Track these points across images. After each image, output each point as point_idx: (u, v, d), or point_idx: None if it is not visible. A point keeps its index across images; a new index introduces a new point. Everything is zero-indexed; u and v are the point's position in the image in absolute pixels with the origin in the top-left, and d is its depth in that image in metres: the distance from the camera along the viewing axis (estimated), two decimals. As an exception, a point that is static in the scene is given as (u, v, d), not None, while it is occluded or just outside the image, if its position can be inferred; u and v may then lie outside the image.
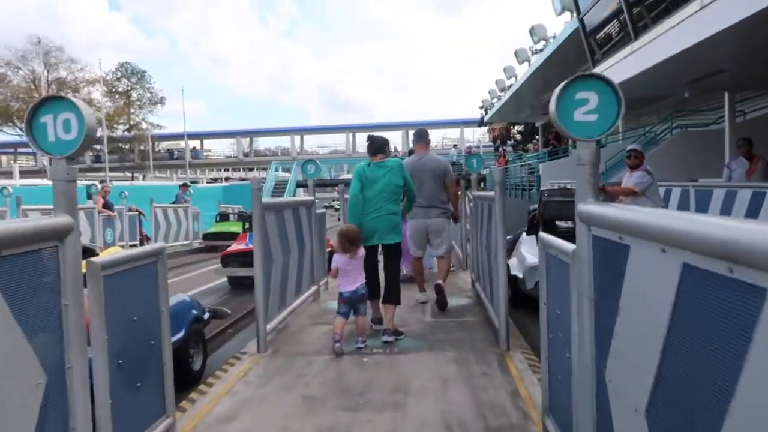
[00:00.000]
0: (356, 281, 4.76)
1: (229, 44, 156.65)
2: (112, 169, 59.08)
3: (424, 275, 6.72)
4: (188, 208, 16.36)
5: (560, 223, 7.51)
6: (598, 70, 11.01)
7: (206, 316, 4.87)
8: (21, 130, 51.70)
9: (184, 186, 17.45)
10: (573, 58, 15.52)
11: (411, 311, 6.06)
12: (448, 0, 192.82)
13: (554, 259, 2.61)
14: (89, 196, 12.80)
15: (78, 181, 2.33)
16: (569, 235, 6.44)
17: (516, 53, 19.26)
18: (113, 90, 57.00)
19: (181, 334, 4.26)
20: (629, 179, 6.83)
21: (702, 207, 8.27)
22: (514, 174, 23.93)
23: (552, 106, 2.09)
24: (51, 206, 2.13)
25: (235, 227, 16.75)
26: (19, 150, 63.10)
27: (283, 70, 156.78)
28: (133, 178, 53.95)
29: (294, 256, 5.80)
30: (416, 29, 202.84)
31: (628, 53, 9.24)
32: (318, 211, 7.35)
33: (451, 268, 7.56)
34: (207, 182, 55.75)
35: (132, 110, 57.43)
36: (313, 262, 6.76)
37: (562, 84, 2.09)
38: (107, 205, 12.77)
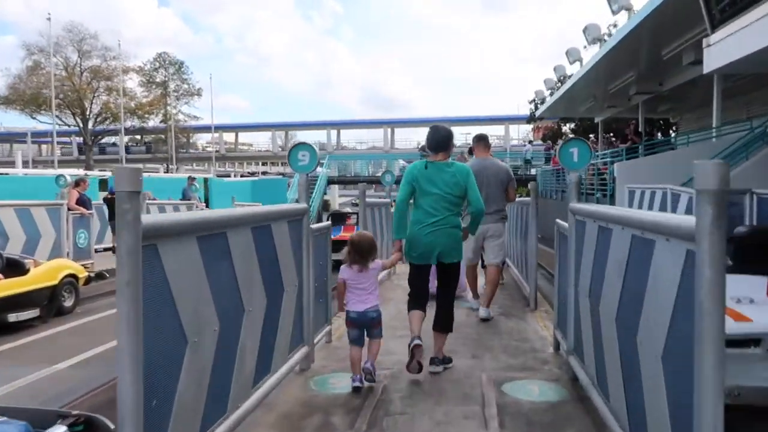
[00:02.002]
0: (366, 301, 3.94)
1: (273, 41, 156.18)
2: (147, 161, 58.06)
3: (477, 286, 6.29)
4: (194, 204, 14.01)
5: None
6: (719, 35, 8.07)
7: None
8: (60, 119, 50.86)
9: (191, 179, 15.14)
10: (662, 33, 12.50)
11: (461, 422, 3.38)
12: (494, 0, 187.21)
13: None
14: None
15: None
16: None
17: (585, 30, 16.21)
18: (150, 80, 55.83)
19: None
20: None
21: None
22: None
23: None
24: None
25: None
26: (57, 139, 62.69)
27: (326, 67, 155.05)
28: (168, 170, 52.53)
29: (255, 313, 3.20)
30: (460, 27, 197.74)
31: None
32: (317, 224, 4.74)
33: (501, 281, 6.83)
34: (241, 176, 53.99)
35: (169, 101, 56.23)
36: (302, 311, 4.16)
37: None
38: (82, 201, 10.43)
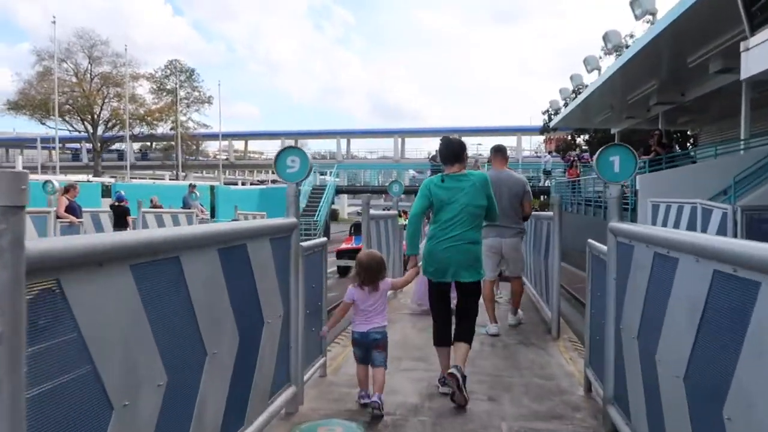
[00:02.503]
0: (371, 322, 3.74)
1: (285, 50, 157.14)
2: (157, 167, 57.85)
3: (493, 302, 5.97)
4: (193, 214, 13.44)
5: None
6: (759, 38, 7.40)
7: None
8: (71, 125, 50.70)
9: (192, 187, 14.59)
10: (689, 39, 11.82)
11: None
12: (504, 10, 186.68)
13: None
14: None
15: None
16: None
17: (605, 36, 15.53)
18: (161, 87, 55.69)
19: None
20: None
21: None
22: (585, 188, 20.28)
23: None
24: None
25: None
26: (67, 145, 62.68)
27: (337, 75, 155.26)
28: (176, 177, 52.18)
29: (223, 355, 2.56)
30: (471, 38, 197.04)
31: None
32: (310, 242, 4.11)
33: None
34: (251, 184, 53.52)
35: (180, 108, 56.10)
36: (288, 345, 3.51)
37: None
38: (72, 209, 9.87)
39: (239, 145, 63.74)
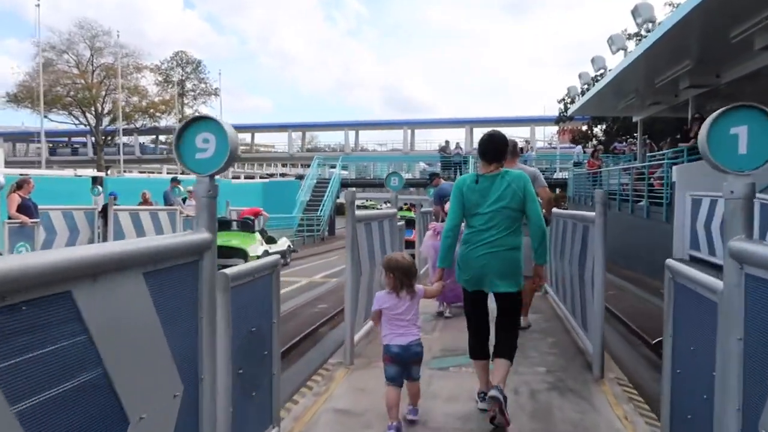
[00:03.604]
0: (409, 332, 3.40)
1: (296, 42, 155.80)
2: (163, 161, 56.80)
3: None
4: (175, 211, 12.17)
5: None
6: None
7: None
8: (75, 117, 49.66)
9: (174, 181, 13.32)
10: (736, 7, 10.32)
11: None
12: (515, 3, 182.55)
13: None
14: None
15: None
16: None
17: (635, 10, 13.93)
18: (166, 79, 54.63)
19: None
20: None
21: None
22: (608, 180, 18.79)
23: None
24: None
25: (237, 239, 12.46)
26: (72, 139, 61.80)
27: (349, 69, 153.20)
28: (183, 172, 51.10)
29: None
30: (482, 31, 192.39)
31: None
32: (249, 264, 2.78)
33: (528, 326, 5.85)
34: (260, 177, 52.29)
35: (186, 101, 55.09)
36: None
37: None
38: (26, 207, 8.60)
39: (247, 137, 62.68)
